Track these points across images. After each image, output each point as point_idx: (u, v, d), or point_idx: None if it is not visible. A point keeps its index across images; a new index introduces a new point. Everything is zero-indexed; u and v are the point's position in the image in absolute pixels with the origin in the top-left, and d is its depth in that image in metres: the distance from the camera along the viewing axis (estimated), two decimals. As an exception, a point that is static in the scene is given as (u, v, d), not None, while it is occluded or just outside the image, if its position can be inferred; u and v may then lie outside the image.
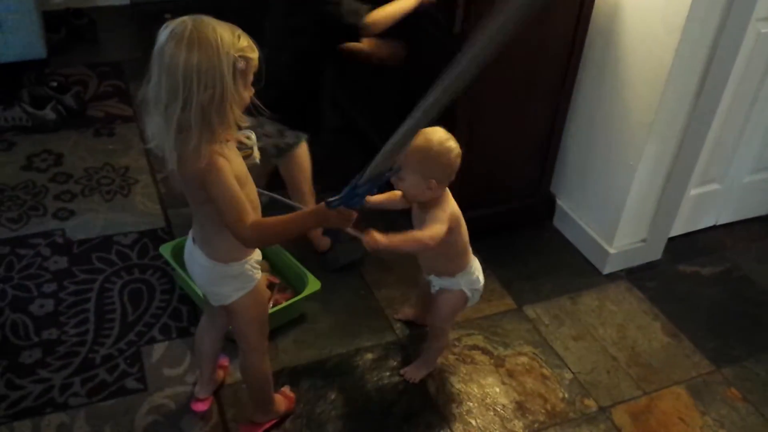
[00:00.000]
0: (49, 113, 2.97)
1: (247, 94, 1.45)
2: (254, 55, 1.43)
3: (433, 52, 2.41)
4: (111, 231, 2.51)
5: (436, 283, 1.96)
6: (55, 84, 3.09)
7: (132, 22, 3.89)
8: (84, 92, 3.23)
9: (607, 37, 2.34)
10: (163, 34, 1.37)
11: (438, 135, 1.74)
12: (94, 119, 3.10)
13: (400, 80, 2.68)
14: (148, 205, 2.64)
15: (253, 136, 1.69)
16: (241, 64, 1.38)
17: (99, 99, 3.23)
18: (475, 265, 1.96)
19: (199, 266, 1.62)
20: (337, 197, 1.45)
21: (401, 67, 2.64)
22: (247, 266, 1.61)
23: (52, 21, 3.49)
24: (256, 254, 1.66)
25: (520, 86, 2.38)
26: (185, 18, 1.38)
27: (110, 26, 3.79)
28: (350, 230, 1.64)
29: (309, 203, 2.33)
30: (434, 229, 1.75)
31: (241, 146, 1.65)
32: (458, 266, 1.91)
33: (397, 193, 1.88)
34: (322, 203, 1.46)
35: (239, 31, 1.41)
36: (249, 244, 1.53)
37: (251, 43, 1.43)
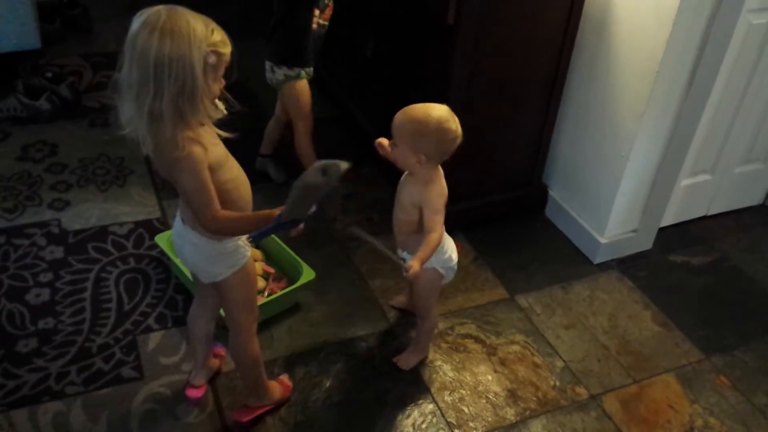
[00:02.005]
0: (44, 104, 2.98)
1: (217, 87, 1.46)
2: (227, 49, 1.43)
3: (427, 42, 2.42)
4: (106, 221, 2.52)
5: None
6: (50, 74, 3.10)
7: (127, 12, 3.86)
8: (79, 83, 3.23)
9: (599, 28, 2.35)
10: (137, 21, 1.38)
11: (438, 113, 1.74)
12: (89, 110, 3.10)
13: (393, 70, 2.70)
14: (144, 196, 2.66)
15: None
16: (211, 59, 1.39)
17: (94, 89, 3.23)
18: (448, 244, 1.94)
19: (191, 245, 1.63)
20: (280, 213, 1.49)
21: (394, 57, 2.66)
22: (240, 242, 1.63)
23: (46, 11, 3.48)
24: None
25: (513, 77, 2.39)
26: (160, 7, 1.38)
27: (105, 16, 3.78)
28: (369, 238, 1.74)
29: (302, 141, 2.57)
30: (437, 223, 1.78)
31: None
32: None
33: None
34: (277, 211, 1.50)
35: (213, 25, 1.41)
36: (215, 234, 1.55)
37: (225, 37, 1.43)
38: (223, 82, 1.48)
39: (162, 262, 2.36)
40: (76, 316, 2.15)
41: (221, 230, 1.53)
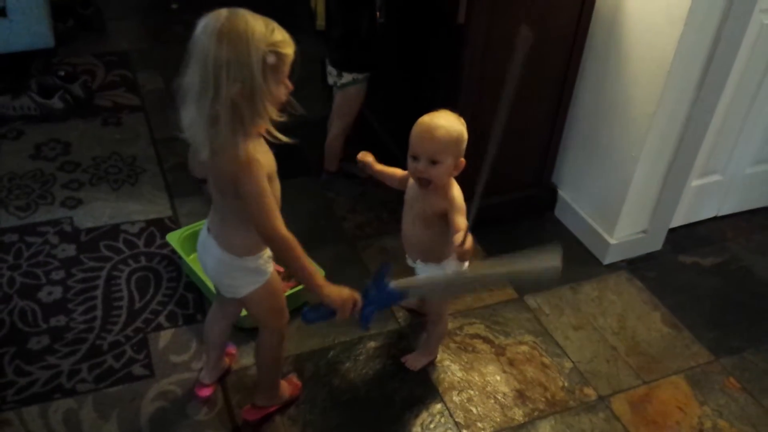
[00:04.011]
0: (56, 102, 3.00)
1: (282, 90, 1.43)
2: (289, 50, 1.40)
3: (437, 42, 2.42)
4: (118, 219, 2.54)
5: (422, 271, 1.94)
6: (62, 73, 3.12)
7: (139, 11, 3.91)
8: (91, 82, 3.26)
9: (610, 28, 2.35)
10: (199, 25, 1.37)
11: (454, 116, 1.76)
12: (101, 108, 3.12)
13: (404, 73, 2.70)
14: (155, 194, 2.67)
15: None
16: (271, 59, 1.36)
17: (106, 88, 3.26)
18: None
19: (213, 258, 1.62)
20: (369, 299, 1.58)
21: (405, 60, 2.66)
22: (261, 261, 1.62)
23: (59, 10, 3.51)
24: None
25: (524, 77, 2.38)
26: (221, 10, 1.37)
27: (117, 16, 3.81)
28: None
29: (336, 140, 2.64)
30: (464, 222, 1.75)
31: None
32: (447, 252, 1.88)
33: (398, 171, 1.91)
34: (356, 294, 1.55)
35: (274, 25, 1.39)
36: (270, 245, 1.53)
37: (287, 37, 1.40)
38: (290, 85, 1.45)
39: (173, 260, 2.38)
40: (87, 314, 2.17)
41: (282, 249, 1.48)
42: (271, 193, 1.47)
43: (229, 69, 1.33)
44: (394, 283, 1.63)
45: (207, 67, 1.34)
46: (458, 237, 1.65)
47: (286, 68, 1.42)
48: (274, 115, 1.43)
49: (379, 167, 1.95)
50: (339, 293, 1.54)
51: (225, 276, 1.65)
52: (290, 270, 1.54)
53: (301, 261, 1.50)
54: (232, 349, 2.06)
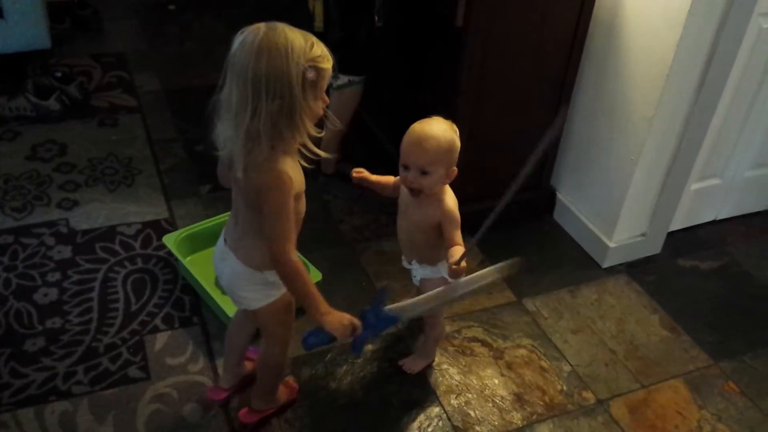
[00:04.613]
0: (53, 103, 2.99)
1: (319, 105, 1.42)
2: (328, 65, 1.38)
3: (435, 46, 2.42)
4: (115, 221, 2.52)
5: (418, 272, 1.94)
6: (59, 74, 3.11)
7: (136, 13, 3.90)
8: (88, 83, 3.25)
9: (609, 31, 2.34)
10: (237, 40, 1.35)
11: (446, 124, 1.73)
12: (98, 110, 3.11)
13: (403, 76, 2.69)
14: (152, 196, 2.66)
15: None
16: (310, 74, 1.34)
17: (103, 89, 3.24)
18: None
19: (230, 269, 1.61)
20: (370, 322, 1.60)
21: (404, 62, 2.65)
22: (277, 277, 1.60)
23: (56, 11, 3.50)
24: None
25: (522, 80, 2.39)
26: (260, 24, 1.35)
27: (114, 17, 3.79)
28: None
29: (333, 141, 2.58)
30: (459, 236, 1.75)
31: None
32: (442, 255, 1.86)
33: (391, 179, 1.90)
34: (356, 320, 1.56)
35: (313, 39, 1.37)
36: (276, 267, 1.50)
37: (325, 51, 1.38)
38: (327, 99, 1.43)
39: (169, 262, 2.37)
40: (83, 316, 2.16)
41: (288, 273, 1.47)
42: (294, 213, 1.46)
43: (268, 84, 1.31)
44: (388, 308, 1.65)
45: (245, 82, 1.32)
46: (455, 257, 1.66)
47: (325, 83, 1.41)
48: (312, 130, 1.42)
49: (375, 178, 1.93)
50: (340, 321, 1.53)
51: (241, 289, 1.63)
52: (293, 295, 1.53)
53: (306, 288, 1.49)
54: (254, 354, 2.02)
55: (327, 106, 1.46)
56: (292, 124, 1.36)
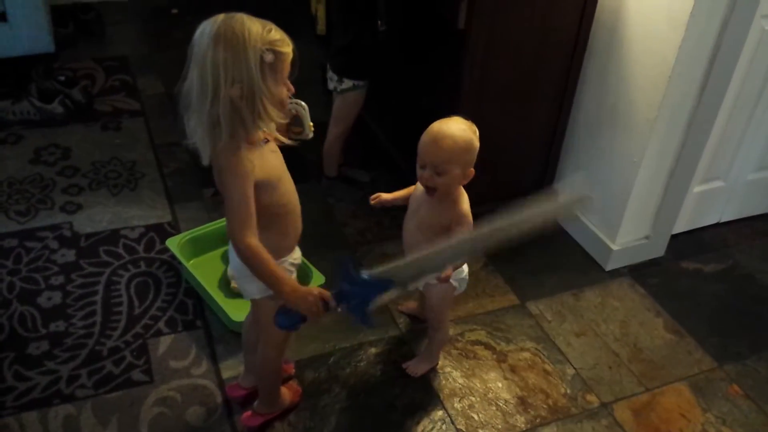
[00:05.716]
0: (56, 107, 3.00)
1: (282, 90, 1.42)
2: (287, 48, 1.39)
3: (437, 49, 2.42)
4: (118, 225, 2.53)
5: None
6: (62, 78, 3.12)
7: (139, 16, 3.91)
8: (91, 86, 3.26)
9: (611, 33, 2.34)
10: (197, 31, 1.37)
11: (465, 124, 1.73)
12: (101, 113, 3.12)
13: (405, 79, 2.70)
14: (155, 199, 2.67)
15: (306, 108, 1.69)
16: (268, 57, 1.35)
17: (106, 93, 3.25)
18: None
19: (234, 258, 1.59)
20: (342, 291, 1.50)
21: (406, 65, 2.65)
22: (282, 268, 1.59)
23: (60, 15, 3.51)
24: (296, 253, 1.66)
25: (525, 82, 2.39)
26: (219, 15, 1.37)
27: (117, 21, 3.81)
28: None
29: (335, 144, 2.63)
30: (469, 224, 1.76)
31: (296, 121, 1.64)
32: None
33: (406, 192, 1.89)
34: (326, 292, 1.49)
35: (271, 26, 1.39)
36: (237, 252, 1.49)
37: (284, 36, 1.39)
38: (291, 87, 1.44)
39: (173, 266, 2.37)
40: (87, 320, 2.16)
41: (246, 257, 1.46)
42: (272, 204, 1.45)
43: (226, 70, 1.33)
44: (375, 272, 1.55)
45: (205, 69, 1.34)
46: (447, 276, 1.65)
47: (286, 67, 1.41)
48: (276, 116, 1.42)
49: (391, 197, 1.92)
50: (305, 297, 1.48)
51: (243, 278, 1.62)
52: (257, 277, 1.51)
53: (265, 268, 1.46)
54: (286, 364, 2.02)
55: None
56: (253, 109, 1.37)
